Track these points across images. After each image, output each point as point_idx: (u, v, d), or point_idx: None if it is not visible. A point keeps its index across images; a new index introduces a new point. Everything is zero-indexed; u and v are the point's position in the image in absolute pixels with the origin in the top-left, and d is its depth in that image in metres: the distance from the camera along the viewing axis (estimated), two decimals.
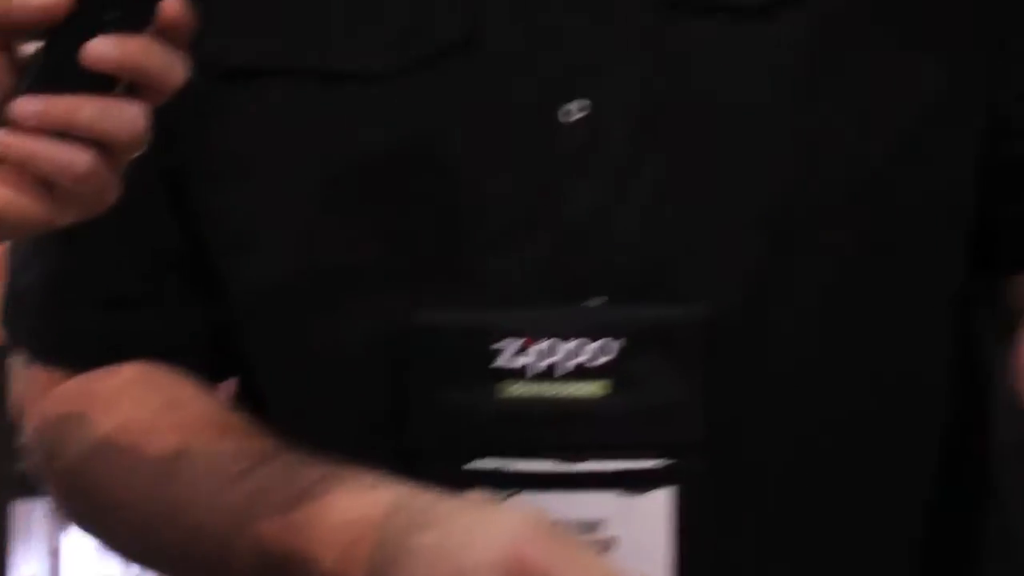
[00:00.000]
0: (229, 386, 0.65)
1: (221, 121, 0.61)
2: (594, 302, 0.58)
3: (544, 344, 0.57)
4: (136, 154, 0.52)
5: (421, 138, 0.59)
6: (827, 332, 0.59)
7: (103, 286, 0.64)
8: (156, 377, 0.63)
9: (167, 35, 0.51)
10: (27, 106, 0.51)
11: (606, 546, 0.57)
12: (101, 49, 0.50)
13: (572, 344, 0.57)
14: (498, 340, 0.57)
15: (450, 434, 0.58)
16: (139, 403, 0.62)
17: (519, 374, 0.58)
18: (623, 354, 0.57)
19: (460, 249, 0.59)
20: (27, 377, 0.66)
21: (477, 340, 0.57)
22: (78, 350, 0.64)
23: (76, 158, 0.51)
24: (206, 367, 0.64)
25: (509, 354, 0.57)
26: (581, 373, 0.57)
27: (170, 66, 0.51)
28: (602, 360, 0.57)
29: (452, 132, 0.59)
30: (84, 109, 0.51)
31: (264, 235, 0.61)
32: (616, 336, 0.57)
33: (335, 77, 0.59)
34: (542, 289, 0.58)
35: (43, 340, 0.65)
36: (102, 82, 0.52)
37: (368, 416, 0.60)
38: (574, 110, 0.58)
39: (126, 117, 0.52)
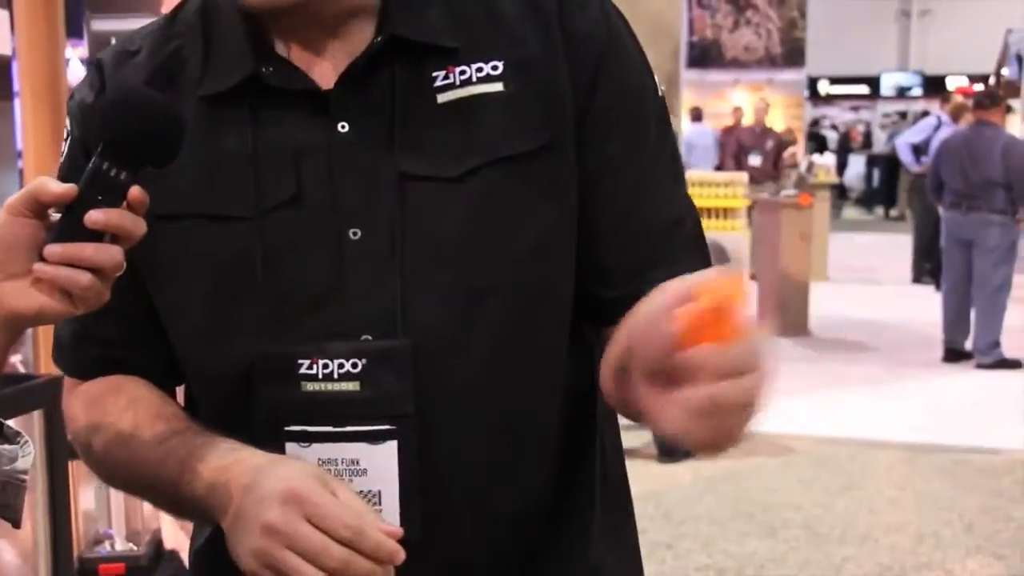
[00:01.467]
0: (181, 390, 0.93)
1: (157, 242, 0.83)
2: (365, 338, 0.83)
3: (323, 361, 0.82)
4: (117, 274, 0.77)
5: (269, 251, 0.84)
6: (492, 352, 0.84)
7: (101, 335, 0.91)
8: (126, 384, 0.91)
9: (132, 208, 0.77)
10: (54, 250, 0.76)
11: (361, 473, 0.82)
12: (96, 216, 0.75)
13: (338, 361, 0.82)
14: (299, 359, 0.83)
15: (275, 412, 0.83)
16: (114, 401, 0.90)
17: (313, 378, 0.83)
18: (365, 367, 0.82)
19: (286, 313, 0.84)
20: (65, 384, 0.95)
21: (288, 360, 0.83)
22: (87, 369, 0.93)
23: (82, 278, 0.76)
24: (165, 378, 0.91)
25: (305, 367, 0.83)
26: (345, 377, 0.83)
27: (135, 225, 0.77)
28: (355, 370, 0.83)
29: (287, 246, 0.84)
30: (86, 251, 0.76)
31: (182, 308, 0.88)
32: (361, 357, 0.82)
33: (219, 218, 0.85)
34: (335, 332, 0.83)
35: (69, 364, 0.94)
36: (96, 235, 0.77)
37: (234, 405, 0.85)
38: (356, 232, 0.84)
39: (110, 255, 0.76)
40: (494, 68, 0.85)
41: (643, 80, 0.90)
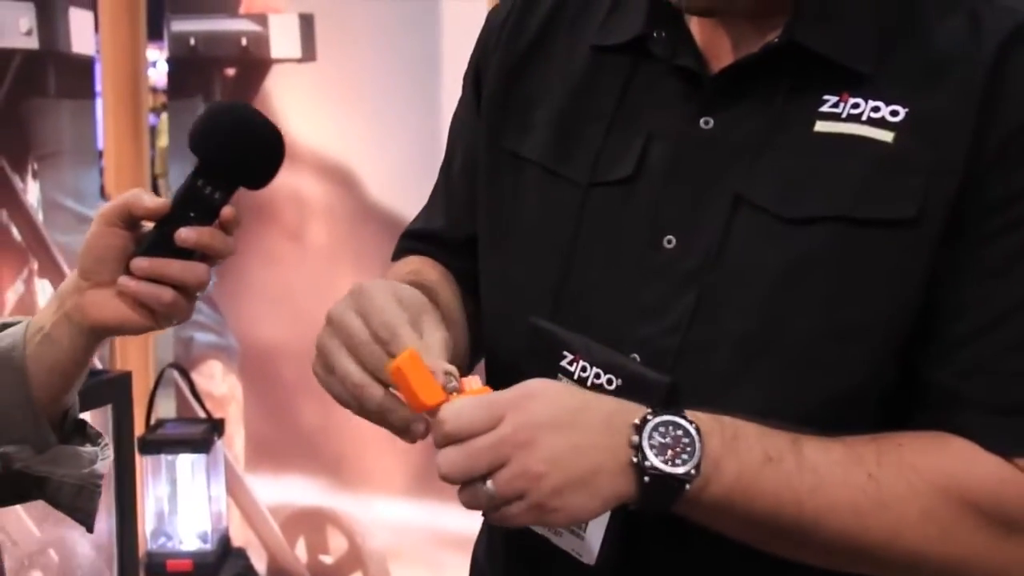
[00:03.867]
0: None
1: (498, 172, 0.85)
2: (633, 356, 0.76)
3: (584, 363, 0.76)
4: (201, 293, 0.78)
5: (581, 226, 0.80)
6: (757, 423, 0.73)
7: (429, 235, 0.95)
8: (424, 264, 0.93)
9: (224, 227, 0.78)
10: (141, 264, 0.77)
11: None
12: (186, 235, 0.76)
13: (596, 370, 0.76)
14: (564, 350, 0.77)
15: None
16: (403, 267, 0.91)
17: (570, 375, 0.78)
18: (619, 388, 0.75)
19: (572, 296, 0.79)
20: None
21: (556, 346, 0.78)
22: (401, 253, 0.97)
23: (164, 295, 0.77)
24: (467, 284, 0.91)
25: (567, 360, 0.77)
26: (597, 389, 0.76)
27: (224, 245, 0.78)
28: (609, 387, 0.76)
29: (600, 227, 0.80)
30: (172, 267, 0.77)
31: (491, 245, 0.86)
32: (618, 376, 0.75)
33: (555, 175, 0.83)
34: (610, 337, 0.77)
35: (395, 251, 0.98)
36: (185, 251, 0.77)
37: (502, 369, 0.82)
38: (671, 241, 0.77)
39: (197, 273, 0.78)
40: (893, 113, 0.74)
41: None
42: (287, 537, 2.42)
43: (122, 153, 2.30)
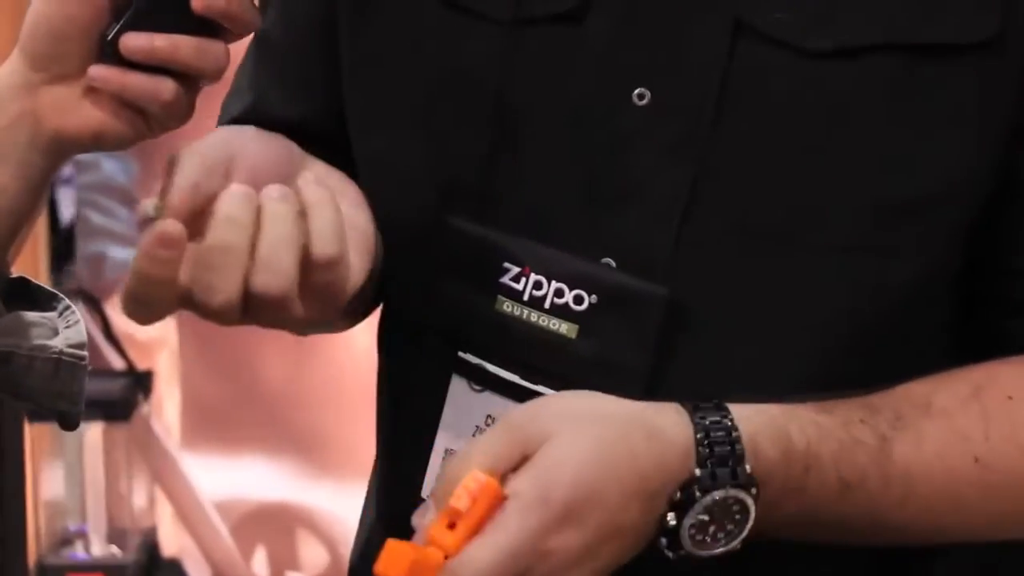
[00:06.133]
0: None
1: (369, 17, 0.76)
2: (606, 261, 0.70)
3: (537, 278, 0.70)
4: (213, 83, 0.73)
5: (512, 81, 0.71)
6: (783, 342, 0.68)
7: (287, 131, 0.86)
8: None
9: None
10: (135, 42, 0.69)
11: None
12: None
13: (557, 286, 0.70)
14: (504, 260, 0.71)
15: (453, 324, 0.71)
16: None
17: (516, 295, 0.71)
18: (592, 308, 0.69)
19: (509, 183, 0.71)
20: None
21: (490, 255, 0.71)
22: None
23: (163, 87, 0.70)
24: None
25: (510, 275, 0.71)
26: (559, 312, 0.70)
27: (253, 16, 0.72)
28: (578, 307, 0.69)
29: (539, 82, 0.71)
30: (183, 47, 0.70)
31: (377, 120, 0.76)
32: (591, 291, 0.69)
33: (463, 9, 0.73)
34: (566, 237, 0.70)
35: None
36: (195, 25, 0.70)
37: (407, 303, 0.76)
38: (644, 95, 0.69)
39: (216, 54, 0.71)
40: None
41: None
42: (240, 544, 2.26)
43: None
